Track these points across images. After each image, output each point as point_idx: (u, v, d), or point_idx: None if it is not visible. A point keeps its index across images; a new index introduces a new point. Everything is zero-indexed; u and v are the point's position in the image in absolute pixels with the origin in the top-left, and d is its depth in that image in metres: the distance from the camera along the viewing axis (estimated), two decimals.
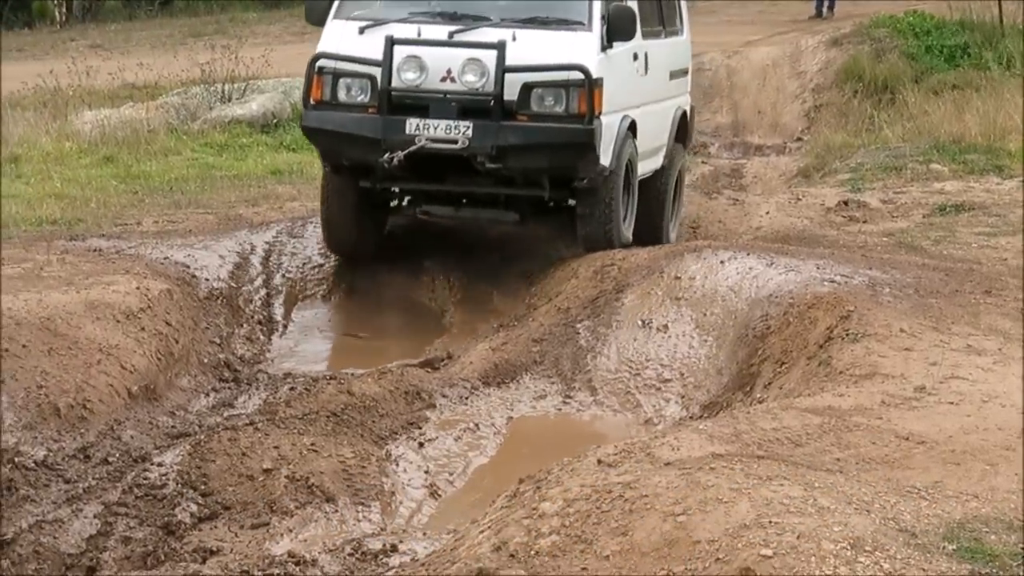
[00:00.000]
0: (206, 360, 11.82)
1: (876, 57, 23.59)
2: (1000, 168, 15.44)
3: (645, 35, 14.07)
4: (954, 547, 6.40)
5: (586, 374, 11.18)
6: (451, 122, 12.34)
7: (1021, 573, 6.21)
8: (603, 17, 12.77)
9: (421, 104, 12.47)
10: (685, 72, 16.27)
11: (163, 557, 8.79)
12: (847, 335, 9.82)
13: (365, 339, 13.10)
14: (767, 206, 15.50)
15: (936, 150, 16.65)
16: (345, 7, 13.12)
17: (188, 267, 12.68)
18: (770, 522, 6.47)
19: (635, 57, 13.63)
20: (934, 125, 18.37)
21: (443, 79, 12.43)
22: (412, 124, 12.36)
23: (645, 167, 14.35)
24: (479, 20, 12.86)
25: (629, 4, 13.32)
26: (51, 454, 9.76)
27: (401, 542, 8.39)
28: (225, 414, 10.91)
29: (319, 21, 13.14)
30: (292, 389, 11.14)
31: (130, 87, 26.00)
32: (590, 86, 12.35)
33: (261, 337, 12.64)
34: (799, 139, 22.60)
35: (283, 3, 40.14)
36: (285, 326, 13.15)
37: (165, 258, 12.84)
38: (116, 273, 12.00)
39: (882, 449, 7.73)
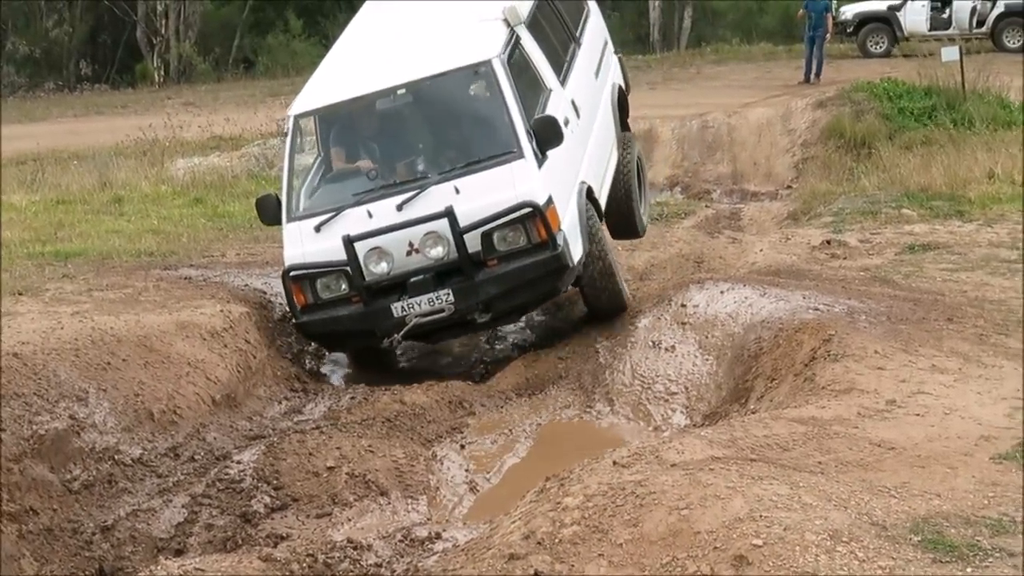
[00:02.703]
0: (279, 373, 11.82)
1: (856, 117, 23.52)
2: (961, 213, 15.37)
3: (565, 77, 12.72)
4: (919, 539, 6.38)
5: (604, 387, 11.14)
6: (431, 294, 11.09)
7: (976, 561, 6.19)
8: (529, 133, 11.23)
9: (398, 283, 11.21)
10: (605, 44, 14.93)
11: (241, 541, 8.82)
12: (828, 355, 9.78)
13: (414, 353, 13.09)
14: (761, 244, 15.45)
15: (906, 197, 16.57)
16: (293, 204, 11.73)
17: (265, 293, 12.69)
18: (761, 516, 6.45)
19: (567, 123, 11.92)
20: (905, 176, 18.29)
21: (408, 253, 11.07)
22: (397, 308, 11.15)
23: (606, 182, 13.38)
24: (419, 180, 11.39)
25: (549, 114, 11.53)
26: (146, 452, 9.79)
27: (444, 530, 8.38)
28: (295, 419, 10.91)
29: (273, 221, 11.87)
30: (352, 398, 11.12)
31: (217, 139, 26.16)
32: (542, 215, 10.96)
33: (326, 354, 12.62)
34: (789, 187, 22.53)
35: None
36: None
37: (245, 285, 12.87)
38: (203, 298, 12.03)
39: (858, 454, 7.71)
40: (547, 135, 11.22)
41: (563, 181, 11.60)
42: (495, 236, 11.05)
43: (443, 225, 10.98)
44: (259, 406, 11.20)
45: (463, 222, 10.95)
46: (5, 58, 46.91)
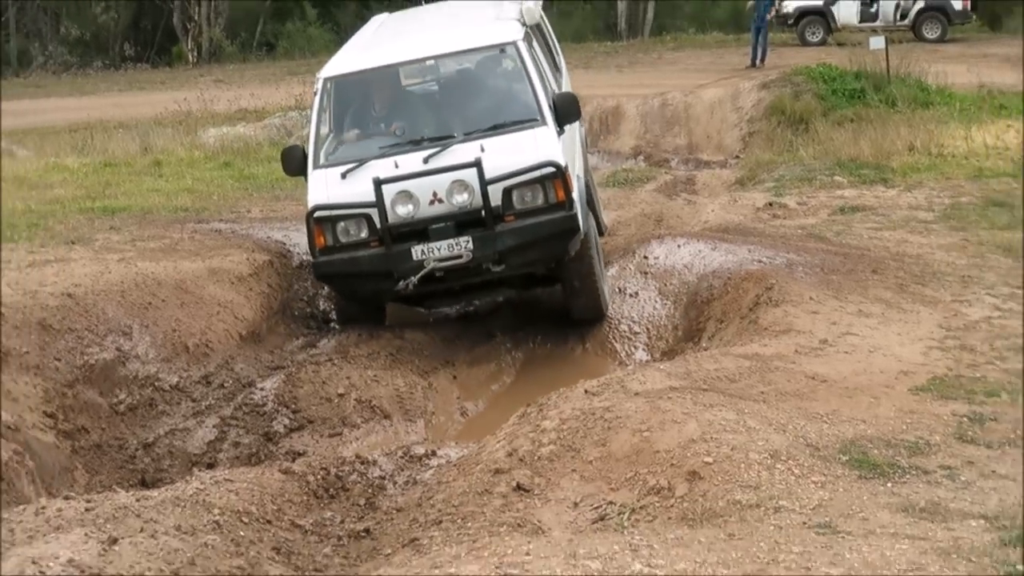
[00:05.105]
0: (297, 313, 11.81)
1: (795, 97, 23.39)
2: (885, 180, 15.31)
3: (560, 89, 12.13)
4: (847, 458, 6.41)
5: (577, 327, 11.16)
6: (451, 240, 10.34)
7: (895, 477, 6.22)
8: (551, 107, 10.78)
9: (419, 229, 10.44)
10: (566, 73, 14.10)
11: (263, 457, 8.88)
12: (770, 301, 9.80)
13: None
14: (712, 206, 15.40)
15: (838, 166, 16.50)
16: (321, 155, 10.97)
17: (285, 244, 12.64)
18: (711, 438, 6.47)
19: None
20: (837, 148, 18.20)
21: (431, 202, 10.32)
22: (418, 251, 10.36)
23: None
24: (444, 139, 10.77)
25: (568, 90, 11.41)
26: (181, 380, 9.79)
27: (439, 449, 8.38)
28: (310, 353, 10.90)
29: (298, 172, 11.04)
30: (360, 335, 11.10)
31: (243, 111, 25.98)
32: (563, 176, 10.37)
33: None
34: (737, 157, 22.41)
35: None
36: None
37: (268, 237, 12.82)
38: (232, 248, 12.00)
39: (794, 385, 7.73)
40: (567, 110, 10.85)
41: (571, 161, 11.00)
42: (514, 193, 10.40)
43: (470, 174, 10.29)
44: (279, 341, 11.20)
45: (489, 174, 10.30)
46: (59, 40, 46.65)
